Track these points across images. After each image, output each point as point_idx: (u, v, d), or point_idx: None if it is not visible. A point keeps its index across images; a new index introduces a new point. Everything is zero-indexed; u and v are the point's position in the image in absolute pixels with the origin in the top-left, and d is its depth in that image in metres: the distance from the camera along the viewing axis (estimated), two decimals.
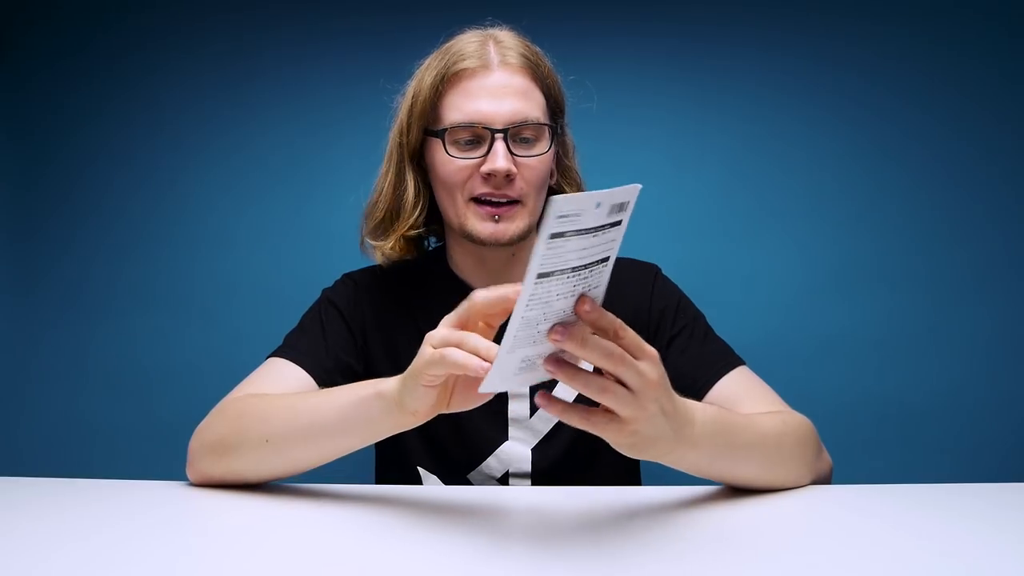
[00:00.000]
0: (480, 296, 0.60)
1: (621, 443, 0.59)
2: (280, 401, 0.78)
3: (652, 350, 0.57)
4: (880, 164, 1.46)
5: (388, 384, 0.67)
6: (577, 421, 0.57)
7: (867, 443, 1.42)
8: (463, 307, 0.61)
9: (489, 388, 0.57)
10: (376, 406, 0.68)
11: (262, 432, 0.74)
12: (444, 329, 0.61)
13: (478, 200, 0.88)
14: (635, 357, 0.56)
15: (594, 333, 0.54)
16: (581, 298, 0.53)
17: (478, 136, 0.87)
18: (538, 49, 0.93)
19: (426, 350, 0.60)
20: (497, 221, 0.88)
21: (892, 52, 1.45)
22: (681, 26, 1.47)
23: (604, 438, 0.58)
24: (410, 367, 0.63)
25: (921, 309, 1.44)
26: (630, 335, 0.56)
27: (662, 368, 0.58)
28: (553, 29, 1.46)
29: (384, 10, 1.48)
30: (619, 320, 0.55)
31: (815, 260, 1.45)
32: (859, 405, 1.43)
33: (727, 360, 0.92)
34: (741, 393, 0.88)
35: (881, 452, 1.42)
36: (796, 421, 0.81)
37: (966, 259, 1.44)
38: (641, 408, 0.56)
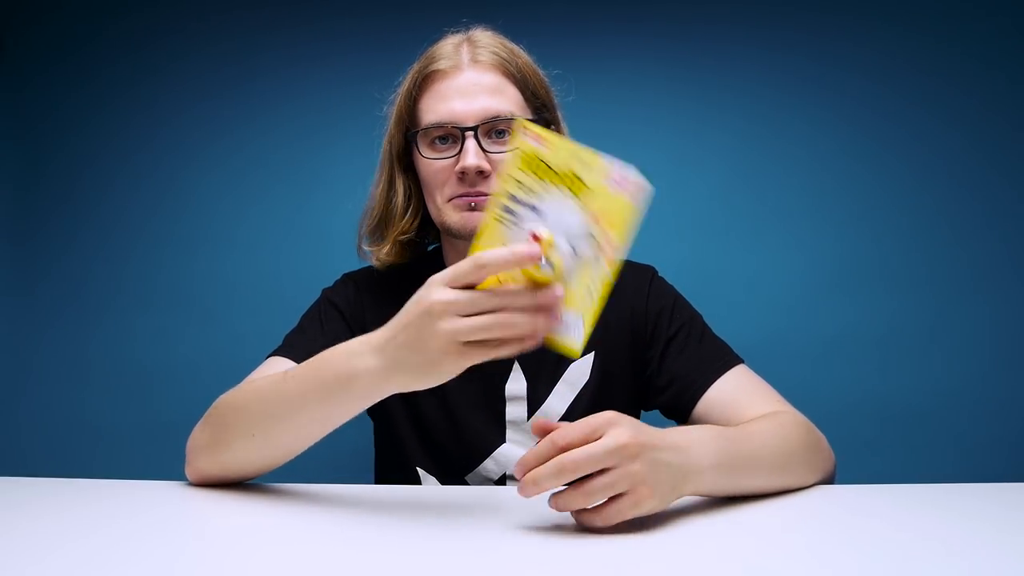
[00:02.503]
0: (491, 260, 0.57)
1: (643, 509, 0.61)
2: (258, 387, 0.75)
3: (602, 419, 0.60)
4: (882, 164, 1.46)
5: (366, 363, 0.64)
6: (609, 519, 0.60)
7: (868, 443, 1.42)
8: (467, 270, 0.58)
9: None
10: (361, 389, 0.66)
11: (245, 424, 0.73)
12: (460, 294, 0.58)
13: (457, 199, 0.89)
14: (594, 439, 0.59)
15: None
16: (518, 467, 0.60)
17: (451, 136, 0.88)
18: (515, 46, 0.93)
19: (447, 325, 0.57)
20: (473, 208, 0.88)
21: (894, 51, 1.45)
22: (682, 25, 1.48)
23: (631, 516, 0.60)
24: (415, 340, 0.60)
25: (923, 309, 1.44)
26: (570, 434, 0.59)
27: (624, 428, 0.60)
28: (553, 29, 1.46)
29: (385, 10, 1.49)
30: (557, 430, 0.60)
31: (817, 260, 1.45)
32: (860, 405, 1.43)
33: (724, 360, 0.92)
34: (740, 393, 0.88)
35: (882, 452, 1.42)
36: (795, 423, 0.81)
37: (968, 259, 1.44)
38: (627, 474, 0.59)
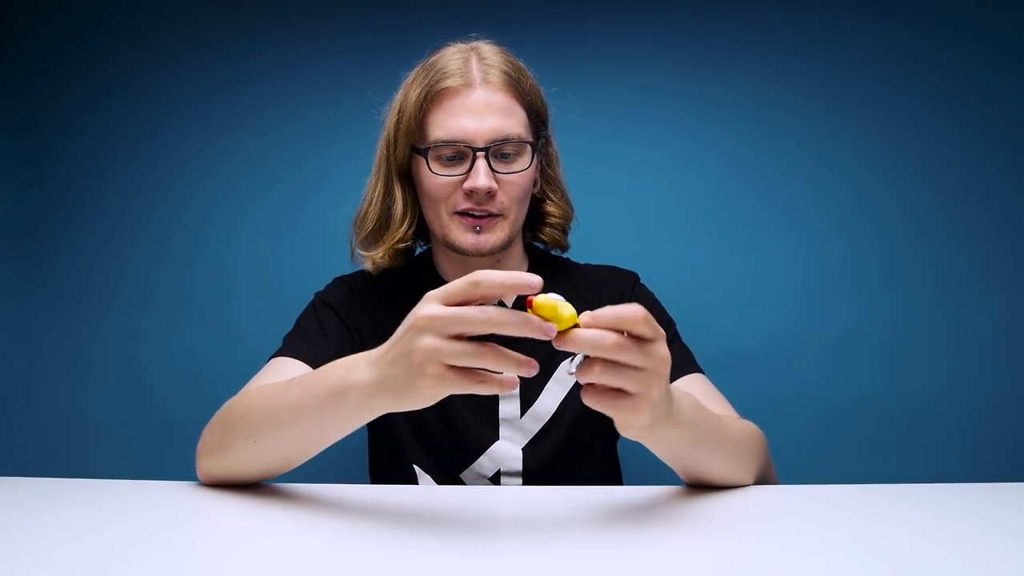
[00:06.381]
0: (487, 279, 0.55)
1: (635, 422, 0.59)
2: (264, 392, 0.75)
3: (660, 331, 0.58)
4: (884, 163, 1.46)
5: (359, 376, 0.62)
6: (596, 403, 0.59)
7: (869, 443, 1.42)
8: (462, 287, 0.56)
9: None
10: (353, 402, 0.63)
11: (248, 429, 0.73)
12: (446, 316, 0.55)
13: (461, 213, 0.91)
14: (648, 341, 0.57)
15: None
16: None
17: (461, 153, 0.89)
18: (521, 64, 0.94)
19: (430, 342, 0.55)
20: (478, 232, 0.91)
21: (896, 51, 1.45)
22: (683, 24, 1.47)
23: (617, 417, 0.60)
24: (400, 355, 0.58)
25: (924, 309, 1.44)
26: (638, 324, 0.56)
27: (667, 352, 0.59)
28: (555, 26, 1.46)
29: (384, 11, 1.48)
30: (624, 313, 0.56)
31: (818, 260, 1.45)
32: (862, 404, 1.43)
33: (688, 365, 0.96)
34: (697, 395, 0.90)
35: (883, 452, 1.42)
36: (754, 428, 0.85)
37: (970, 259, 1.44)
38: (651, 385, 0.57)
